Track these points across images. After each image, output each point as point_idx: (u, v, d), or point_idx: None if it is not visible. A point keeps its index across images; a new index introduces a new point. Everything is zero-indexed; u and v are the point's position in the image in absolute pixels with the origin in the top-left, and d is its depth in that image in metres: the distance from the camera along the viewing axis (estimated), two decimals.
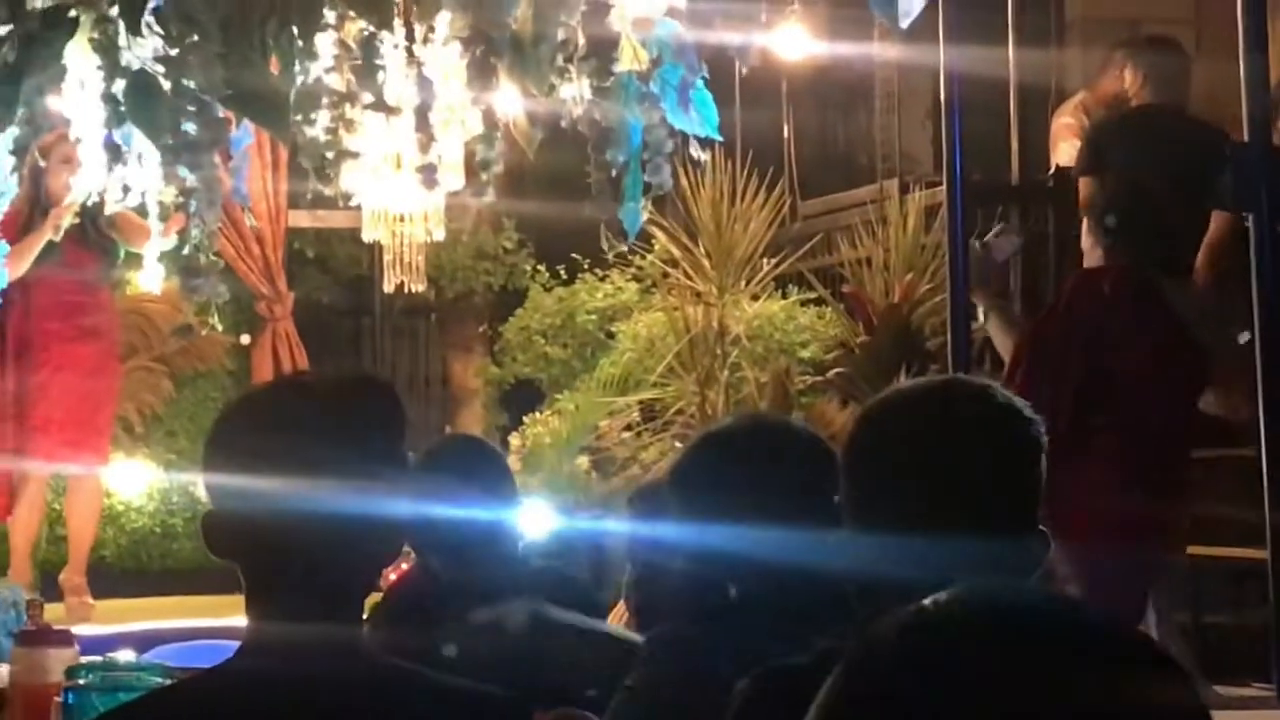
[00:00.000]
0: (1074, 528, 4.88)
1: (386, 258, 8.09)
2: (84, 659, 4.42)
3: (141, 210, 7.41)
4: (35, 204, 8.54)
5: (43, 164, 8.48)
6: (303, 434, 2.52)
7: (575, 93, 5.12)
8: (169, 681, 3.63)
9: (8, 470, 8.91)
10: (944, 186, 6.75)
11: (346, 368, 11.72)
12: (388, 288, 8.37)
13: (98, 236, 8.93)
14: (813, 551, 2.91)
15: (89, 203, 7.07)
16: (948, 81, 6.81)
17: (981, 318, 6.66)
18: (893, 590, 2.53)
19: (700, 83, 5.19)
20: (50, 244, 8.55)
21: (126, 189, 7.02)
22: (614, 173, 5.04)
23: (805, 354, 10.45)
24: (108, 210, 7.34)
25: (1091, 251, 6.40)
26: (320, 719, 2.50)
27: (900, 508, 2.52)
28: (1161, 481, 5.98)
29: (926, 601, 1.50)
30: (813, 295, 10.76)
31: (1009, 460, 2.56)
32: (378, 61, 4.81)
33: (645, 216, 5.45)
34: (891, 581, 2.45)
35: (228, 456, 2.58)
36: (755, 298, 10.52)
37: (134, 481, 10.69)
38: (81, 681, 3.87)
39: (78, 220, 8.74)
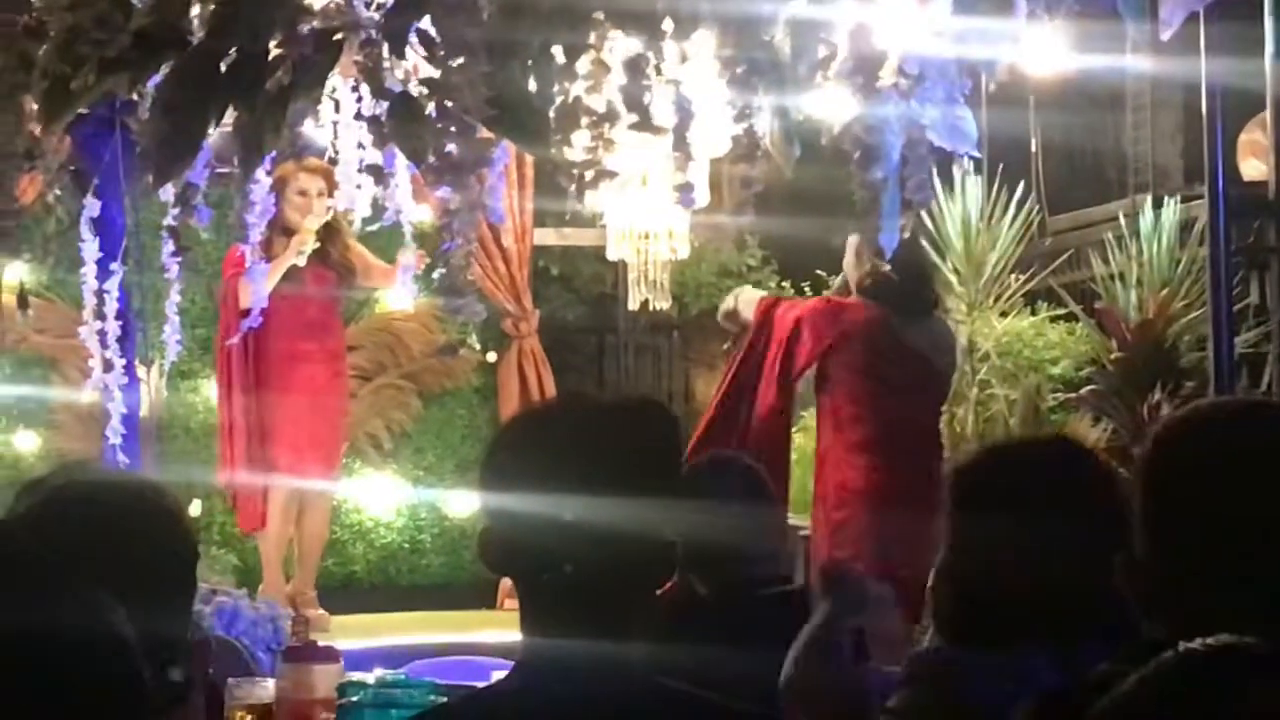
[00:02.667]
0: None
1: (631, 275, 8.14)
2: (349, 675, 4.48)
3: (397, 230, 7.56)
4: (273, 226, 8.72)
5: (296, 187, 8.72)
6: (583, 453, 2.54)
7: (834, 110, 5.13)
8: (441, 699, 3.67)
9: (257, 484, 9.11)
10: (1202, 199, 6.67)
11: (601, 387, 11.78)
12: (632, 305, 8.42)
13: (339, 258, 9.13)
14: (1085, 571, 2.87)
15: (350, 220, 7.19)
16: (1209, 94, 6.72)
17: None
18: (1192, 617, 2.47)
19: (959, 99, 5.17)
20: (292, 266, 8.82)
21: (381, 208, 7.17)
22: (873, 191, 5.03)
23: (1055, 370, 10.33)
24: (356, 227, 7.46)
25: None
26: None
27: (1201, 534, 2.47)
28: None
29: None
30: (1062, 311, 10.64)
31: None
32: (644, 82, 4.84)
33: (906, 234, 5.44)
34: (1191, 608, 2.39)
35: (507, 473, 2.61)
36: (1004, 314, 10.43)
37: (383, 498, 10.85)
38: (355, 698, 3.92)
39: (319, 244, 8.96)
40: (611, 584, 2.54)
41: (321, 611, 9.04)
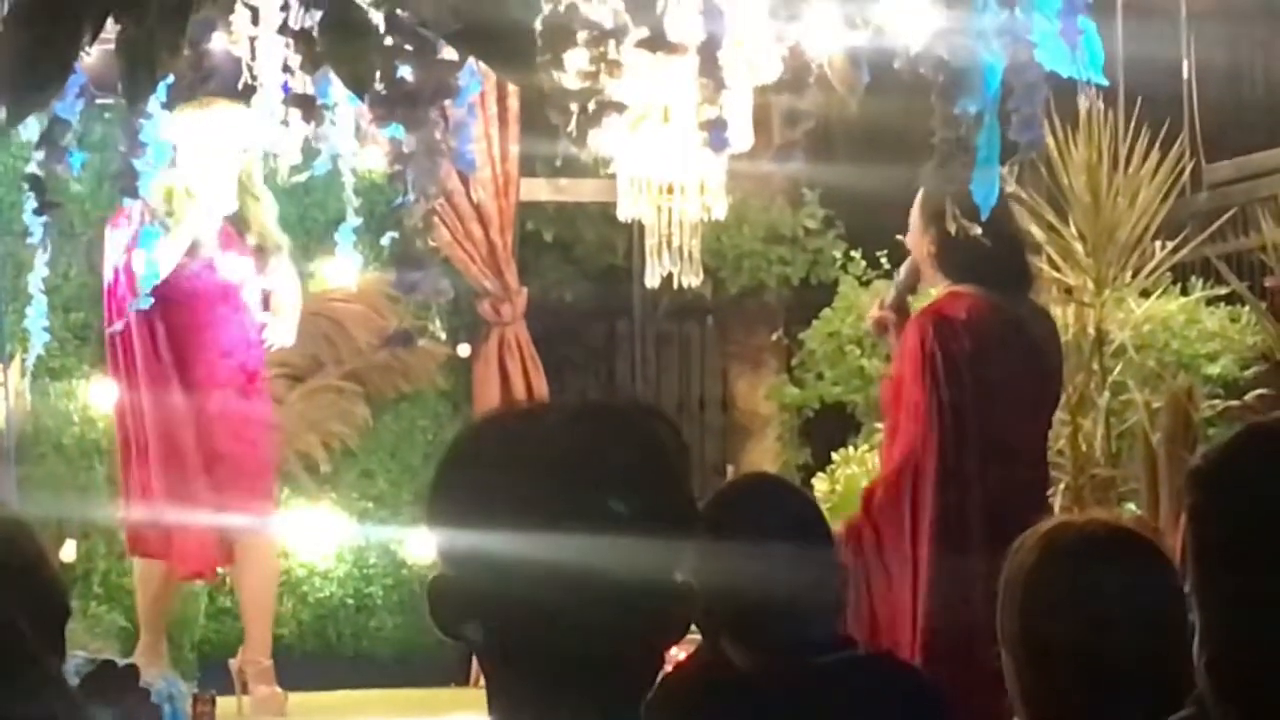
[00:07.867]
0: None
1: (650, 241, 8.18)
2: None
3: (335, 181, 7.58)
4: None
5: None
6: (560, 476, 2.56)
7: (913, 22, 5.14)
8: None
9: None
10: None
11: (606, 389, 11.82)
12: (651, 281, 8.45)
13: (257, 229, 9.12)
14: None
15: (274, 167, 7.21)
16: None
17: None
18: None
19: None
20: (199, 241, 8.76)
21: (314, 152, 7.19)
22: (963, 129, 5.04)
23: (1213, 370, 10.35)
24: (283, 178, 7.48)
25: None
26: None
27: None
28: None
29: None
30: (1224, 290, 10.66)
31: None
32: None
33: (1009, 187, 5.46)
34: None
35: (460, 505, 2.62)
36: (1145, 294, 10.45)
37: (319, 538, 10.84)
38: None
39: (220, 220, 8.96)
40: (600, 648, 2.56)
41: (276, 689, 9.04)
